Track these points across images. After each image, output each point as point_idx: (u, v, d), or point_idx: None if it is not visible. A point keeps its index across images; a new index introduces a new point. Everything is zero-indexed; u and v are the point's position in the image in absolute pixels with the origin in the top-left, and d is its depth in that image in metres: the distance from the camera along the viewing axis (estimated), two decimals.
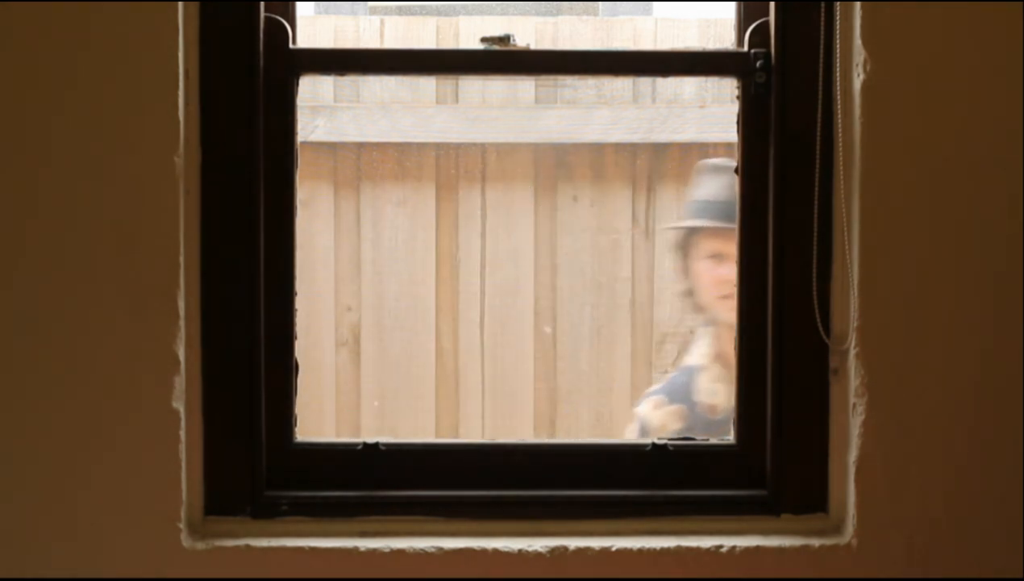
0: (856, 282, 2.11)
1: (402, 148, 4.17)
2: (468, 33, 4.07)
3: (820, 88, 2.12)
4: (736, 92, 2.18)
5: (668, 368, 4.26)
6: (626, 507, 2.18)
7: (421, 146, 4.15)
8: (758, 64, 2.15)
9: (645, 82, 4.16)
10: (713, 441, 2.22)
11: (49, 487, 2.08)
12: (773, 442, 2.17)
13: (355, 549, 2.11)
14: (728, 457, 2.21)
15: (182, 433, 2.09)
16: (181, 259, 2.08)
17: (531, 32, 4.13)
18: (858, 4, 2.09)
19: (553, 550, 2.11)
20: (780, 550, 2.12)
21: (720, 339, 3.36)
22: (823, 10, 2.12)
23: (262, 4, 2.12)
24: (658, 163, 4.21)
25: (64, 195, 2.05)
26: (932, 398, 2.11)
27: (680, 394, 3.37)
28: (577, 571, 2.11)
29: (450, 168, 4.20)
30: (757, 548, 2.13)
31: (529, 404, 4.20)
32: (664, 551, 2.12)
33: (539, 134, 4.16)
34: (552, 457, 2.22)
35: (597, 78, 4.08)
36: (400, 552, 2.11)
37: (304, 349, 4.01)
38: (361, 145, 4.19)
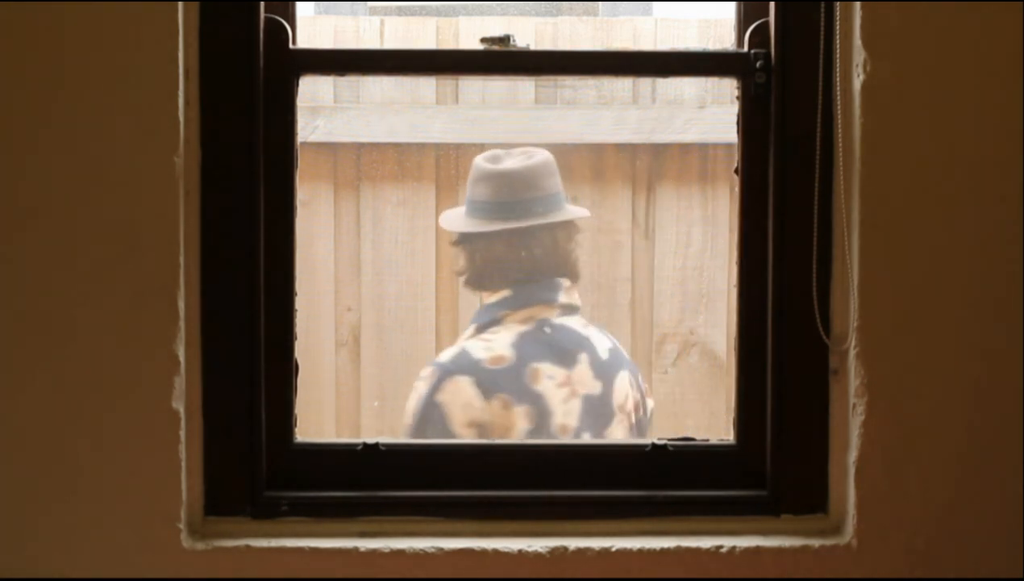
0: (856, 282, 2.11)
1: (402, 149, 4.17)
2: (468, 33, 4.08)
3: (820, 88, 2.12)
4: (736, 92, 2.18)
5: (668, 368, 4.26)
6: (626, 507, 2.18)
7: (421, 147, 4.15)
8: (758, 64, 2.15)
9: (645, 83, 4.16)
10: (713, 441, 2.22)
11: (49, 487, 2.08)
12: (773, 442, 2.17)
13: (355, 549, 2.11)
14: (728, 457, 2.21)
15: (182, 433, 2.09)
16: (181, 259, 2.08)
17: (531, 32, 4.13)
18: (858, 4, 2.09)
19: (553, 550, 2.11)
20: (780, 550, 2.12)
21: None
22: (823, 10, 2.12)
23: (262, 4, 2.12)
24: (658, 163, 4.21)
25: (64, 195, 2.05)
26: (932, 398, 2.11)
27: None
28: (577, 571, 2.11)
29: (450, 169, 4.20)
30: (757, 548, 2.13)
31: None
32: (664, 551, 2.12)
33: (539, 134, 4.16)
34: (552, 457, 2.22)
35: (597, 78, 4.09)
36: (400, 552, 2.11)
37: (304, 349, 4.01)
38: (361, 146, 4.19)
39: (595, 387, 3.11)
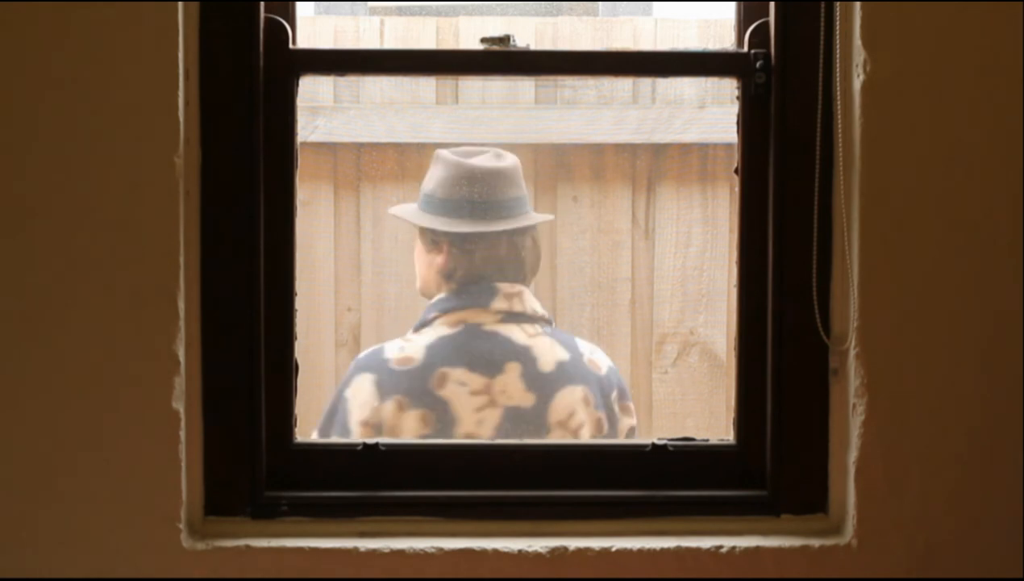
0: (856, 282, 2.11)
1: (402, 149, 4.17)
2: (468, 33, 4.07)
3: (820, 88, 2.12)
4: (736, 92, 2.18)
5: (668, 368, 4.26)
6: (626, 507, 2.18)
7: (421, 146, 4.15)
8: (758, 64, 2.15)
9: (645, 83, 4.16)
10: (713, 441, 2.22)
11: (49, 487, 2.08)
12: (773, 442, 2.17)
13: (355, 549, 2.11)
14: (728, 457, 2.21)
15: (182, 433, 2.09)
16: (181, 259, 2.08)
17: (531, 32, 4.13)
18: (858, 4, 2.09)
19: (553, 550, 2.11)
20: (780, 550, 2.12)
21: None
22: (823, 10, 2.12)
23: (262, 4, 2.12)
24: (658, 163, 4.21)
25: (64, 195, 2.05)
26: (932, 398, 2.11)
27: None
28: (577, 571, 2.11)
29: None
30: (757, 548, 2.13)
31: None
32: (664, 551, 2.12)
33: (539, 134, 4.16)
34: (552, 457, 2.22)
35: (597, 78, 4.08)
36: (400, 552, 2.11)
37: (304, 349, 4.01)
38: (361, 145, 4.19)
39: (526, 399, 2.97)
